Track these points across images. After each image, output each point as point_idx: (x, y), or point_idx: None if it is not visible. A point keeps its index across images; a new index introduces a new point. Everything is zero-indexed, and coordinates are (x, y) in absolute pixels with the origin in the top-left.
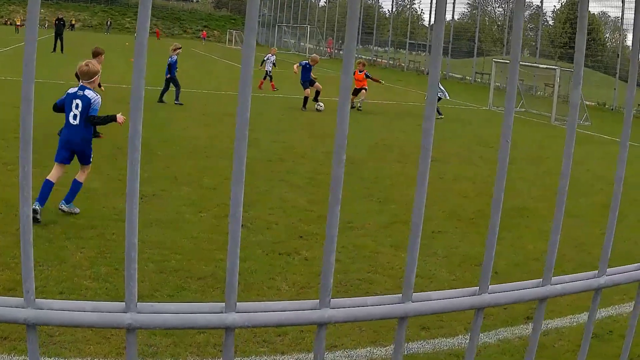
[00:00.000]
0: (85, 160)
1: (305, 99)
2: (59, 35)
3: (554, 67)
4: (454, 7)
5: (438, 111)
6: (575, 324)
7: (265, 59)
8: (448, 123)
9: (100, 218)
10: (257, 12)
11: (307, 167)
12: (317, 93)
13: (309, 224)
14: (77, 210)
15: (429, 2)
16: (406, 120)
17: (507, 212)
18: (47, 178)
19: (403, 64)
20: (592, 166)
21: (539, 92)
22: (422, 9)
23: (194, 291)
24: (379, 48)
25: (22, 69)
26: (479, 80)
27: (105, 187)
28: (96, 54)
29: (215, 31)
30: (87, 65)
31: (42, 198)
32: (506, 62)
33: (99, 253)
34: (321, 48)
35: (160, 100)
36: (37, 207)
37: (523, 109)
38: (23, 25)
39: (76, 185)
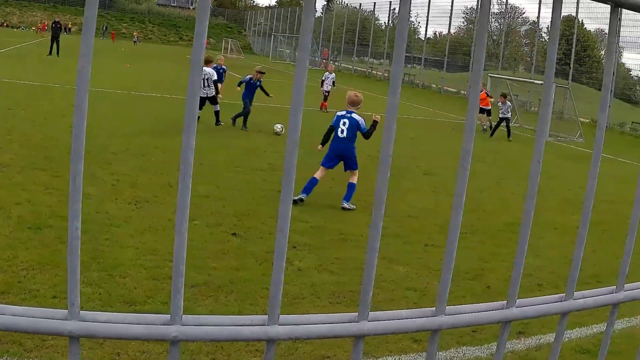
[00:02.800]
0: (353, 166)
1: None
2: (55, 38)
3: None
4: (450, 21)
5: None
6: (566, 339)
7: (323, 78)
8: (442, 137)
9: (93, 223)
10: (311, 33)
11: (297, 176)
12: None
13: (302, 235)
14: (354, 206)
15: (425, 15)
16: (399, 133)
17: (499, 227)
18: (313, 176)
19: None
20: (584, 183)
21: (533, 108)
22: (418, 22)
23: (187, 299)
24: (374, 60)
25: (76, 80)
26: None
27: (99, 193)
28: (207, 61)
29: (211, 39)
30: (356, 96)
31: (307, 190)
32: (501, 77)
33: (92, 258)
34: (316, 58)
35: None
36: (302, 196)
37: (517, 124)
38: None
39: (352, 186)
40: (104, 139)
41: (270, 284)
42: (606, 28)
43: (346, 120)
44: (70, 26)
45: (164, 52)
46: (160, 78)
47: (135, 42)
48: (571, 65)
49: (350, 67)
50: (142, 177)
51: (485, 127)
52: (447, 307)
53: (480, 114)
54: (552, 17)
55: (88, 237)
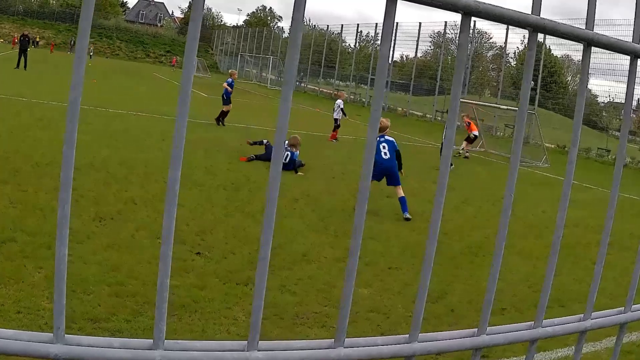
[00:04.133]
0: (396, 182)
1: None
2: (23, 51)
3: (514, 108)
4: (417, 45)
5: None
6: None
7: (335, 107)
8: (405, 160)
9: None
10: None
11: (262, 196)
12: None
13: None
14: (409, 217)
15: (392, 38)
16: (362, 155)
17: (461, 250)
18: (399, 196)
19: (364, 99)
20: (548, 208)
21: (498, 133)
22: None
23: (150, 317)
24: (340, 82)
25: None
26: (439, 118)
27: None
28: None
29: (177, 56)
30: (382, 122)
31: (404, 207)
32: (467, 102)
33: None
34: (281, 79)
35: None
36: (407, 215)
37: (482, 149)
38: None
39: (403, 199)
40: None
41: (252, 310)
42: (572, 54)
43: (385, 144)
44: (38, 39)
45: (130, 68)
46: (126, 94)
47: (90, 56)
48: (537, 91)
49: (317, 88)
50: (106, 193)
51: (467, 154)
52: (420, 334)
53: (467, 141)
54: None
55: (52, 252)
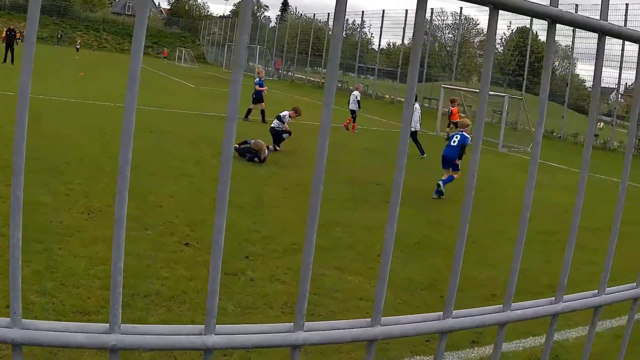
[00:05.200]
0: (447, 166)
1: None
2: (9, 46)
3: (502, 94)
4: (404, 32)
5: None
6: (520, 348)
7: (351, 99)
8: (395, 148)
9: (47, 232)
10: (245, 50)
11: (250, 187)
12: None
13: (254, 245)
14: (443, 197)
15: (379, 26)
16: (353, 143)
17: (453, 238)
18: (444, 177)
19: (351, 87)
20: (537, 194)
21: (487, 119)
22: (372, 33)
23: (140, 309)
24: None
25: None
26: (427, 105)
27: (53, 202)
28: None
29: (165, 48)
30: (463, 121)
31: (444, 181)
32: (454, 88)
33: (46, 268)
34: (269, 68)
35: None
36: (440, 189)
37: (471, 135)
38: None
39: (451, 178)
40: (58, 148)
41: (207, 295)
42: (561, 40)
43: (457, 137)
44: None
45: (118, 60)
46: (113, 87)
47: (77, 49)
48: (525, 77)
49: (304, 77)
50: (95, 187)
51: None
52: (385, 317)
53: (449, 127)
54: (546, 49)
55: (42, 247)
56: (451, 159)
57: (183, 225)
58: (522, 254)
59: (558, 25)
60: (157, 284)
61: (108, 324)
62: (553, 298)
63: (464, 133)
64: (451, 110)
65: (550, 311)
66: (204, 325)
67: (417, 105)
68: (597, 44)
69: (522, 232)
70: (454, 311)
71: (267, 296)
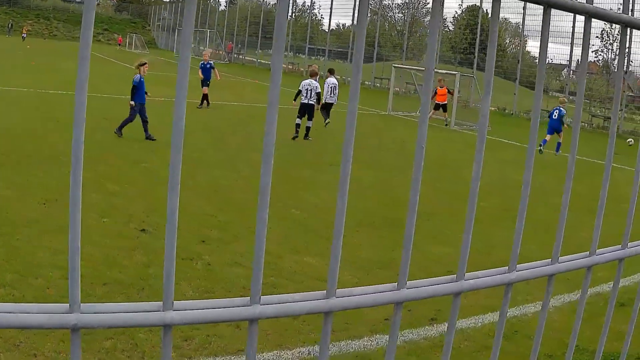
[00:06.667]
0: (551, 132)
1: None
2: None
3: (453, 72)
4: (353, 12)
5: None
6: (480, 324)
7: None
8: (343, 127)
9: (6, 225)
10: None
11: (206, 172)
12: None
13: (210, 229)
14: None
15: (329, 7)
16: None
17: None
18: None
19: (302, 69)
20: (491, 170)
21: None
22: (321, 14)
23: (100, 297)
24: None
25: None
26: (379, 85)
27: (11, 193)
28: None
29: (115, 34)
30: (561, 101)
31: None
32: (405, 67)
33: (5, 260)
34: (220, 52)
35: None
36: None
37: (415, 113)
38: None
39: (559, 144)
40: (14, 139)
41: (164, 272)
42: (510, 17)
43: (557, 110)
44: None
45: (68, 48)
46: (66, 75)
47: (23, 37)
48: (476, 55)
49: (255, 60)
50: (52, 177)
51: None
52: (339, 289)
53: (435, 110)
54: (490, 24)
55: (1, 239)
56: (557, 127)
57: (140, 212)
58: (481, 231)
59: (508, 2)
60: (115, 272)
61: (68, 304)
62: (506, 268)
63: (560, 108)
64: (436, 90)
65: (503, 280)
66: (161, 302)
67: (333, 80)
68: (542, 16)
69: (474, 195)
70: (408, 282)
71: (226, 280)
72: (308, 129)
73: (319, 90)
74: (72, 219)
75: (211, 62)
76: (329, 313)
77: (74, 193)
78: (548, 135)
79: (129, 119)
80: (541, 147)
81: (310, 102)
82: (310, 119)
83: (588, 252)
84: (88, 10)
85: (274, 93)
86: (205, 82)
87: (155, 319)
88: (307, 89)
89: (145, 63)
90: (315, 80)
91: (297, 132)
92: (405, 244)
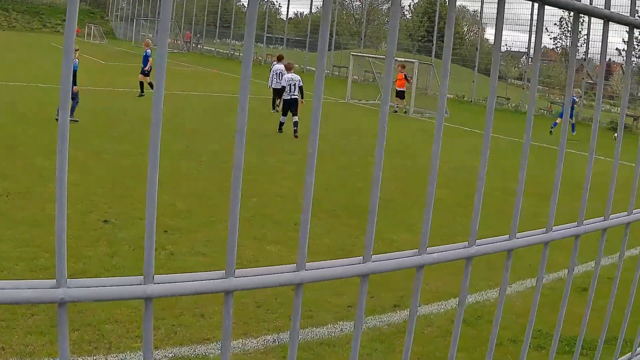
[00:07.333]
0: (571, 116)
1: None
2: None
3: (412, 60)
4: (311, 1)
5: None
6: (442, 310)
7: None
8: (303, 116)
9: None
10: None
11: (166, 162)
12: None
13: (172, 219)
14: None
15: None
16: (262, 112)
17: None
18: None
19: (260, 58)
20: (450, 157)
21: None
22: (279, 3)
23: None
24: (236, 42)
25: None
26: (337, 73)
27: None
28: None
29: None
30: (576, 91)
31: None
32: (363, 55)
33: None
34: (178, 42)
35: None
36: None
37: (375, 101)
38: None
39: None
40: None
41: (144, 246)
42: (469, 5)
43: (571, 100)
44: None
45: (28, 39)
46: (28, 67)
47: None
48: (434, 42)
49: (213, 49)
50: (13, 169)
51: (397, 109)
52: (309, 263)
53: (396, 97)
54: (448, 10)
55: None
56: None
57: (102, 203)
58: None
59: None
60: (81, 263)
61: (55, 280)
62: (467, 242)
63: (574, 97)
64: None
65: (464, 255)
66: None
67: (280, 66)
68: (497, 2)
69: (434, 170)
70: (373, 256)
71: (189, 269)
72: (296, 123)
73: (302, 84)
74: (59, 196)
75: (148, 50)
76: (299, 285)
77: (60, 173)
78: (559, 119)
79: (76, 103)
80: (552, 129)
81: (293, 96)
82: (295, 114)
83: (545, 229)
84: (72, 2)
85: (246, 74)
86: (143, 70)
87: (138, 292)
88: (290, 84)
89: (77, 49)
90: (295, 74)
91: (280, 129)
92: (370, 218)
